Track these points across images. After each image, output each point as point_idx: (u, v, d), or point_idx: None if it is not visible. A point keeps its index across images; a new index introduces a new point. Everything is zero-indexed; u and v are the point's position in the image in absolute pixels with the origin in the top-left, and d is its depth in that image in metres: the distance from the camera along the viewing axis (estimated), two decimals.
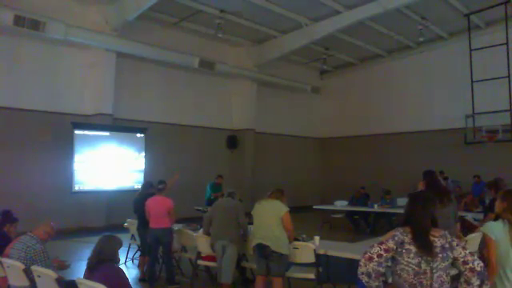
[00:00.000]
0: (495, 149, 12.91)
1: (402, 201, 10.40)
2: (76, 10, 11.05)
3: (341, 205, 11.75)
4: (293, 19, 12.82)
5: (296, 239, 5.01)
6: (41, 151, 10.40)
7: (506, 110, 12.77)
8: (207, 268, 6.07)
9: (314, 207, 12.15)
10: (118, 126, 11.81)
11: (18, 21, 9.39)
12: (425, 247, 2.41)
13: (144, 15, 11.11)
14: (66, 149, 10.64)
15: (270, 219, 4.74)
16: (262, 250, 4.67)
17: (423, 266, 2.39)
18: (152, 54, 12.21)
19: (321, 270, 4.82)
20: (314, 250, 4.74)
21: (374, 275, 2.41)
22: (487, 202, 7.77)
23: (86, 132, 11.03)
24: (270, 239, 4.64)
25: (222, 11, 11.80)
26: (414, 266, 2.40)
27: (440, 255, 2.41)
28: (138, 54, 11.99)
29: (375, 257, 2.43)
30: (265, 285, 4.83)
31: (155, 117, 12.85)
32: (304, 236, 5.28)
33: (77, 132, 10.82)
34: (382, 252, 2.44)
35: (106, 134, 11.43)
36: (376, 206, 10.67)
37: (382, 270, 2.43)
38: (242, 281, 5.80)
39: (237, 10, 12.05)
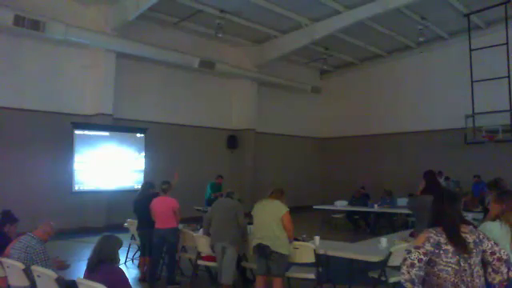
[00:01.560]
0: (495, 149, 12.91)
1: (402, 201, 10.50)
2: (76, 9, 11.05)
3: (341, 205, 11.75)
4: (293, 19, 12.81)
5: (296, 239, 5.01)
6: (41, 151, 10.39)
7: (506, 110, 12.75)
8: (207, 268, 6.08)
9: (314, 207, 12.13)
10: (118, 126, 11.81)
11: (18, 21, 9.38)
12: (460, 245, 2.45)
13: (144, 15, 11.10)
14: (66, 149, 10.64)
15: (269, 219, 4.73)
16: (262, 250, 4.66)
17: (462, 263, 2.43)
18: (152, 54, 12.21)
19: (321, 270, 4.82)
20: (314, 250, 4.75)
21: (417, 281, 2.42)
22: (487, 202, 7.75)
23: (86, 132, 11.04)
24: (270, 239, 4.64)
25: (222, 11, 11.80)
26: (453, 265, 2.43)
27: (474, 250, 2.47)
28: (137, 54, 11.98)
29: (416, 262, 2.43)
30: (265, 285, 4.83)
31: (155, 117, 12.85)
32: (304, 236, 5.29)
33: (77, 132, 10.83)
34: (421, 256, 2.45)
35: (106, 134, 11.43)
36: (376, 205, 10.70)
37: (422, 274, 2.45)
38: (242, 281, 5.79)
39: (237, 10, 12.05)
